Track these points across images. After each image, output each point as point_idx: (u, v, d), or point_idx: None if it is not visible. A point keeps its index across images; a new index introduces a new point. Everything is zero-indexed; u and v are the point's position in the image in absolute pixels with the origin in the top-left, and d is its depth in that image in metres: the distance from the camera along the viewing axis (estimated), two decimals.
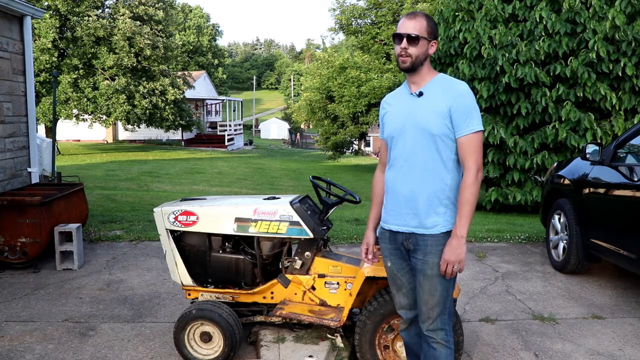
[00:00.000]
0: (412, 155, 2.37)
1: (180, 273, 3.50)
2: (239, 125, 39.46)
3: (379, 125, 2.68)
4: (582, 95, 8.18)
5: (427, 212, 2.35)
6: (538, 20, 8.39)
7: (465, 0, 9.28)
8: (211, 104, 40.93)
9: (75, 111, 22.71)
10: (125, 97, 22.02)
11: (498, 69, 8.43)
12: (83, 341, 3.63)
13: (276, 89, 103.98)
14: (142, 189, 13.52)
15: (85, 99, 22.05)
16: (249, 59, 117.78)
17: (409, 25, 2.34)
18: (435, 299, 2.39)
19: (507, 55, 8.38)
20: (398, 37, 2.35)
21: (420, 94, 2.38)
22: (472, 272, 5.18)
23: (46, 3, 21.17)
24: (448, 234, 2.34)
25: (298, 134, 55.93)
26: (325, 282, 3.33)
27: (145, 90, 22.74)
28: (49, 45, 20.80)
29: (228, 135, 35.03)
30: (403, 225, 2.42)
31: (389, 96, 2.57)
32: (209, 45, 62.91)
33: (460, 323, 2.99)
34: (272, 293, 3.41)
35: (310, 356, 3.19)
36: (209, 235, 3.48)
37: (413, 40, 2.32)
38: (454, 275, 2.33)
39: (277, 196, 3.51)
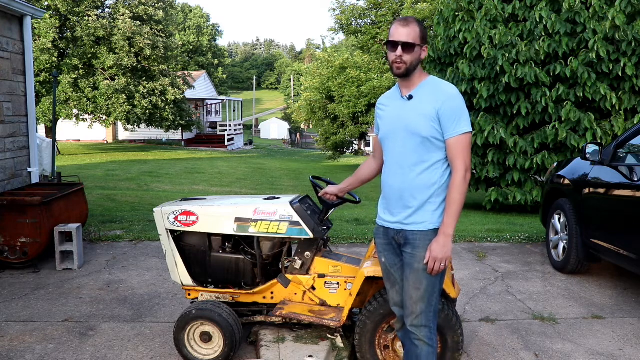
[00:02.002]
0: (402, 156, 2.46)
1: (180, 273, 3.50)
2: (239, 125, 39.44)
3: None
4: (582, 95, 8.18)
5: (416, 210, 2.44)
6: (538, 20, 8.39)
7: (465, 0, 9.29)
8: (211, 104, 40.92)
9: (75, 111, 22.71)
10: (125, 97, 22.02)
11: (498, 69, 8.43)
12: (83, 341, 3.63)
13: (276, 89, 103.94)
14: (142, 189, 13.52)
15: (85, 99, 22.04)
16: (249, 59, 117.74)
17: (403, 33, 2.35)
18: (419, 293, 2.44)
19: (507, 55, 8.38)
20: (392, 44, 2.37)
21: (410, 98, 2.44)
22: (472, 272, 5.18)
23: (46, 3, 21.16)
24: (436, 231, 2.43)
25: (298, 134, 55.92)
26: (325, 282, 3.33)
27: (145, 90, 22.74)
28: (49, 45, 20.78)
29: (228, 135, 35.03)
30: (394, 222, 2.52)
31: (383, 97, 2.64)
32: (209, 45, 62.92)
33: (460, 323, 2.99)
34: (272, 293, 3.41)
35: (310, 356, 3.19)
36: (209, 235, 3.48)
37: (408, 47, 2.35)
38: (439, 273, 2.41)
39: (277, 196, 3.51)
